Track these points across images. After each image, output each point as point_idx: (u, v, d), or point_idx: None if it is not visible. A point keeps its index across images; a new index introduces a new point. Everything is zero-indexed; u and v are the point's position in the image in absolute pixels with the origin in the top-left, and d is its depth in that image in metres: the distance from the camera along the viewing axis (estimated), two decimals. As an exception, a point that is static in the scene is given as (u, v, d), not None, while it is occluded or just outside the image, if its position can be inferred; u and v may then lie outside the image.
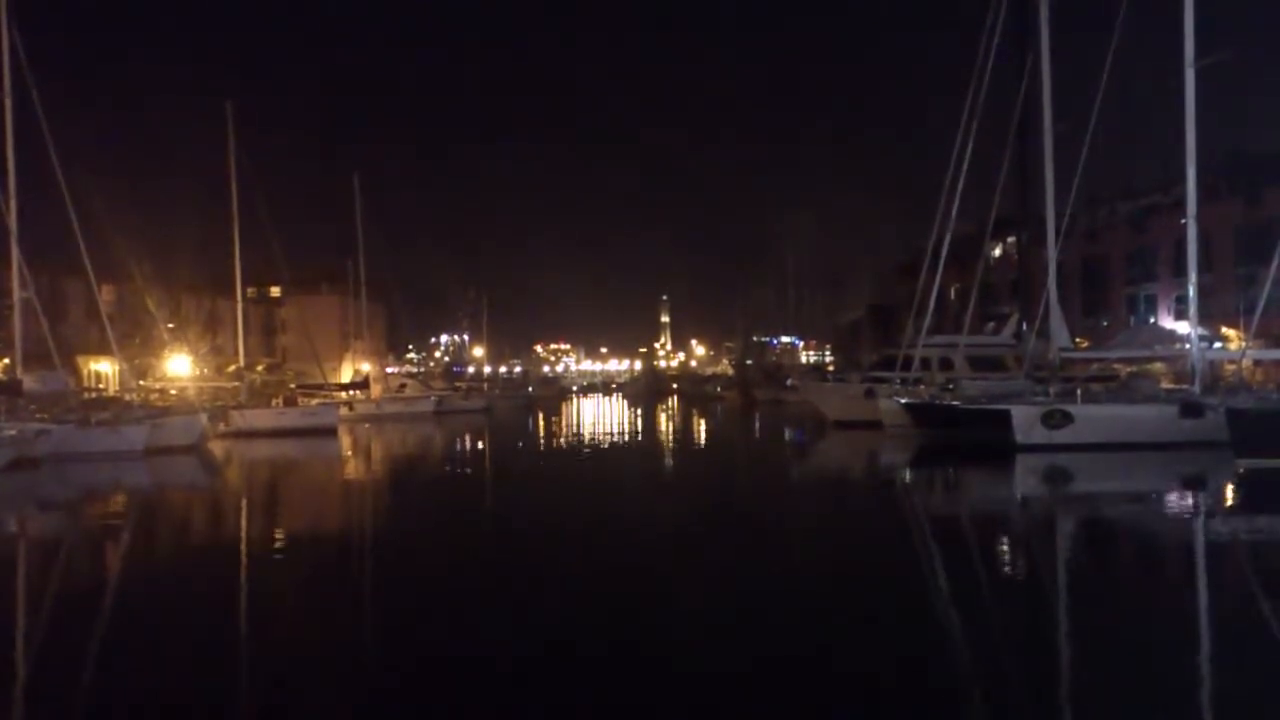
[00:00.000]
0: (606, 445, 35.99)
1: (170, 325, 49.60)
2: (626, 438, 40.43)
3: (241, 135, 43.85)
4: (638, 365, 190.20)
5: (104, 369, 57.21)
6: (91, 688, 7.97)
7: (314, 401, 49.46)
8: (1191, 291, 28.68)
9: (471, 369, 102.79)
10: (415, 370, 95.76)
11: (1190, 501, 18.93)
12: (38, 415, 30.45)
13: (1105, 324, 54.16)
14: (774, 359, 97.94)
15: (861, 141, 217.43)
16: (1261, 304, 26.23)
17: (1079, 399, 27.27)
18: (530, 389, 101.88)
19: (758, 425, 49.17)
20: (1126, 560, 13.47)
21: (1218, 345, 35.96)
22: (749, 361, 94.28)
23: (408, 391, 63.99)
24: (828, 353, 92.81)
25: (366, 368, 70.52)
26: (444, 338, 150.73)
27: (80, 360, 53.50)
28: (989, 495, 20.91)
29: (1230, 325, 38.97)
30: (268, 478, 27.36)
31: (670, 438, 40.95)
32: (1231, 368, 29.72)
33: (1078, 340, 39.42)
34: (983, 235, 37.99)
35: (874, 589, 11.18)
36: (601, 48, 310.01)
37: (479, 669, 8.12)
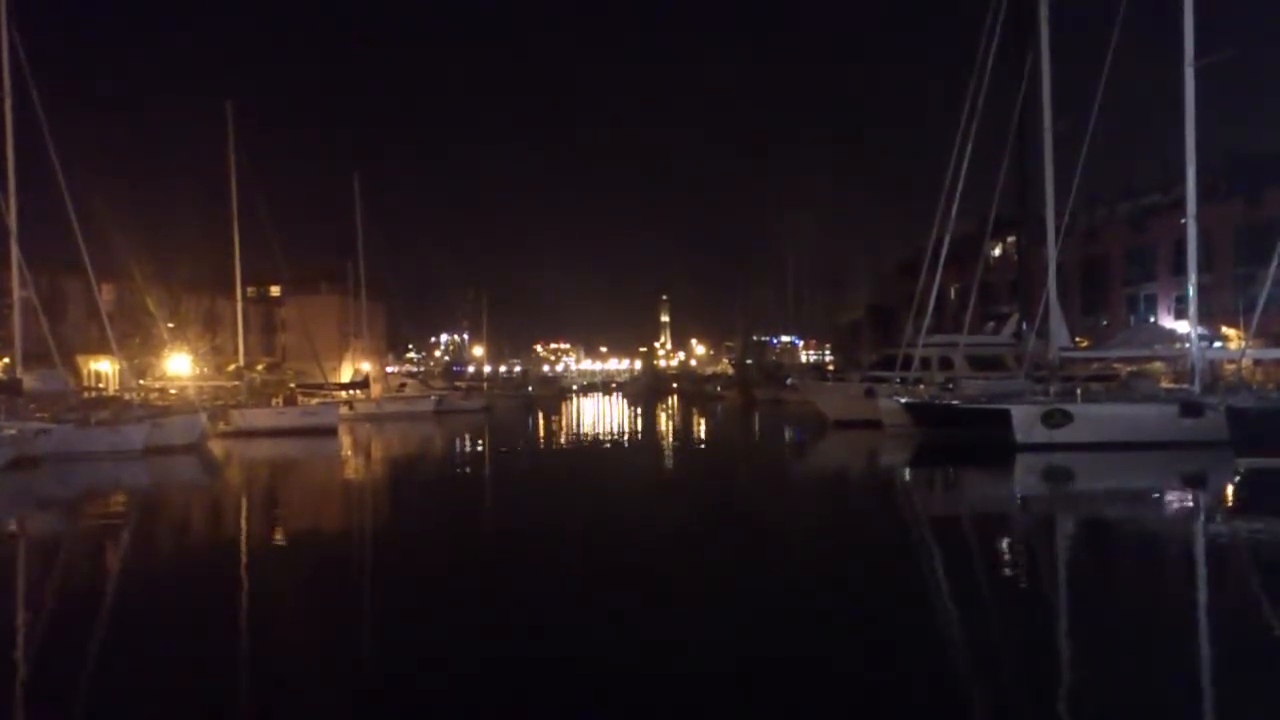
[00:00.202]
0: (606, 445, 35.99)
1: (170, 324, 49.55)
2: (626, 437, 40.44)
3: (241, 135, 43.87)
4: (638, 365, 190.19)
5: (104, 368, 57.21)
6: (91, 687, 7.98)
7: (314, 401, 49.44)
8: (1191, 291, 28.69)
9: (471, 368, 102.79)
10: (415, 370, 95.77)
11: (1190, 501, 18.93)
12: (37, 414, 30.43)
13: (1105, 323, 54.17)
14: (774, 358, 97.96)
15: (861, 141, 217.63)
16: (1261, 303, 26.26)
17: (1079, 398, 27.28)
18: (530, 388, 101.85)
19: (758, 425, 49.17)
20: (1127, 560, 13.46)
21: (1217, 345, 35.99)
22: (749, 361, 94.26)
23: (408, 391, 64.00)
24: (828, 352, 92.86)
25: (366, 367, 70.49)
26: (444, 337, 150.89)
27: (80, 359, 53.49)
28: (989, 495, 20.91)
29: (1230, 325, 38.99)
30: (268, 477, 27.35)
31: (670, 437, 40.95)
32: (1231, 367, 29.74)
33: (1077, 340, 39.45)
34: (982, 235, 38.03)
35: (875, 590, 11.18)
36: (601, 48, 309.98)
37: (478, 670, 8.12)
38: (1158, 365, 35.15)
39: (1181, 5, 26.73)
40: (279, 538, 16.25)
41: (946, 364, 37.20)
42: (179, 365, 47.96)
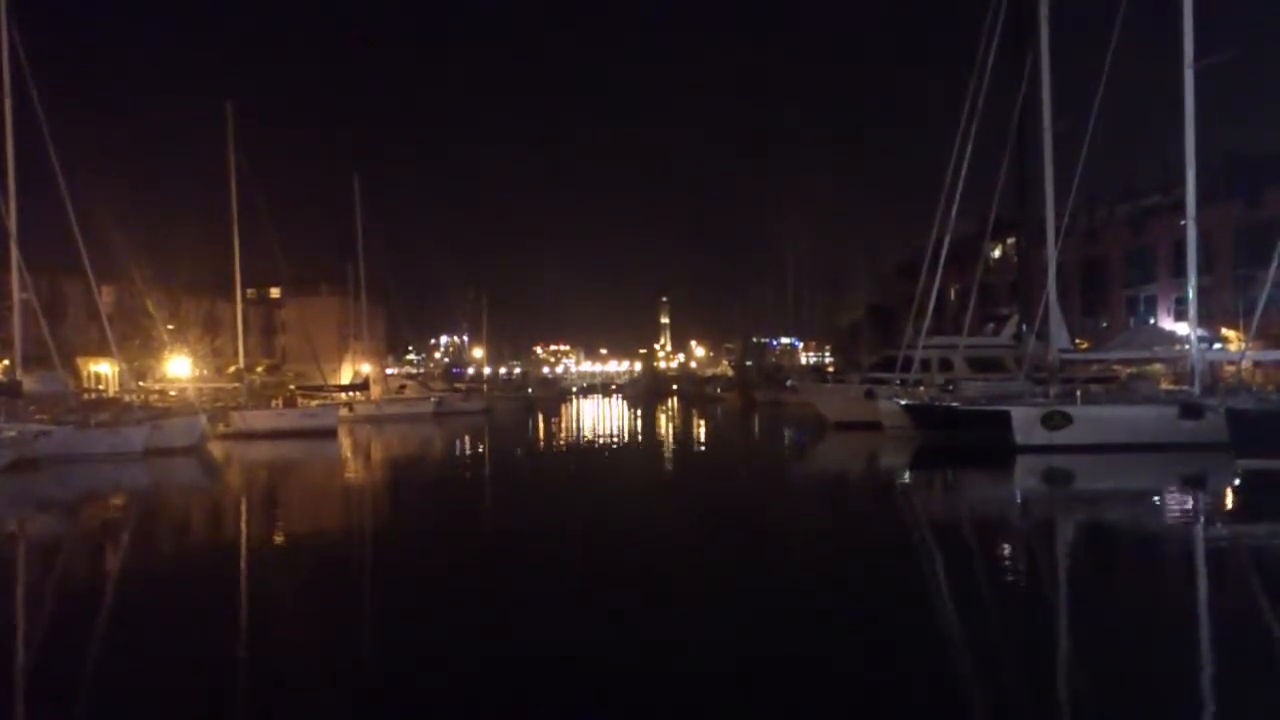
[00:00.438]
0: (606, 447, 35.97)
1: (170, 326, 49.56)
2: (626, 439, 40.41)
3: (241, 136, 43.86)
4: (637, 366, 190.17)
5: (104, 370, 57.24)
6: (90, 688, 7.98)
7: (314, 402, 49.46)
8: (1191, 292, 28.68)
9: (471, 370, 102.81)
10: (415, 371, 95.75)
11: (1190, 503, 18.91)
12: (37, 416, 30.43)
13: (1105, 325, 54.17)
14: (774, 360, 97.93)
15: (861, 141, 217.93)
16: (1261, 305, 26.25)
17: (1078, 400, 27.27)
18: (530, 390, 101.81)
19: (757, 426, 49.15)
20: (1127, 563, 13.45)
21: (1217, 346, 36.03)
22: (749, 363, 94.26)
23: (407, 393, 63.96)
24: (827, 354, 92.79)
25: (366, 369, 70.48)
26: (444, 339, 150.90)
27: (80, 361, 53.50)
28: (989, 497, 20.90)
29: (1230, 326, 39.02)
30: (267, 479, 27.33)
31: (670, 439, 40.92)
32: (1231, 369, 29.74)
33: (1077, 341, 39.45)
34: (982, 236, 38.04)
35: (875, 592, 11.17)
36: (601, 48, 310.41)
37: (478, 670, 8.12)
38: (1157, 367, 35.17)
39: (1181, 6, 26.74)
40: (279, 539, 16.25)
41: (946, 366, 37.21)
42: (179, 367, 47.93)
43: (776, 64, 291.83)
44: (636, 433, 44.61)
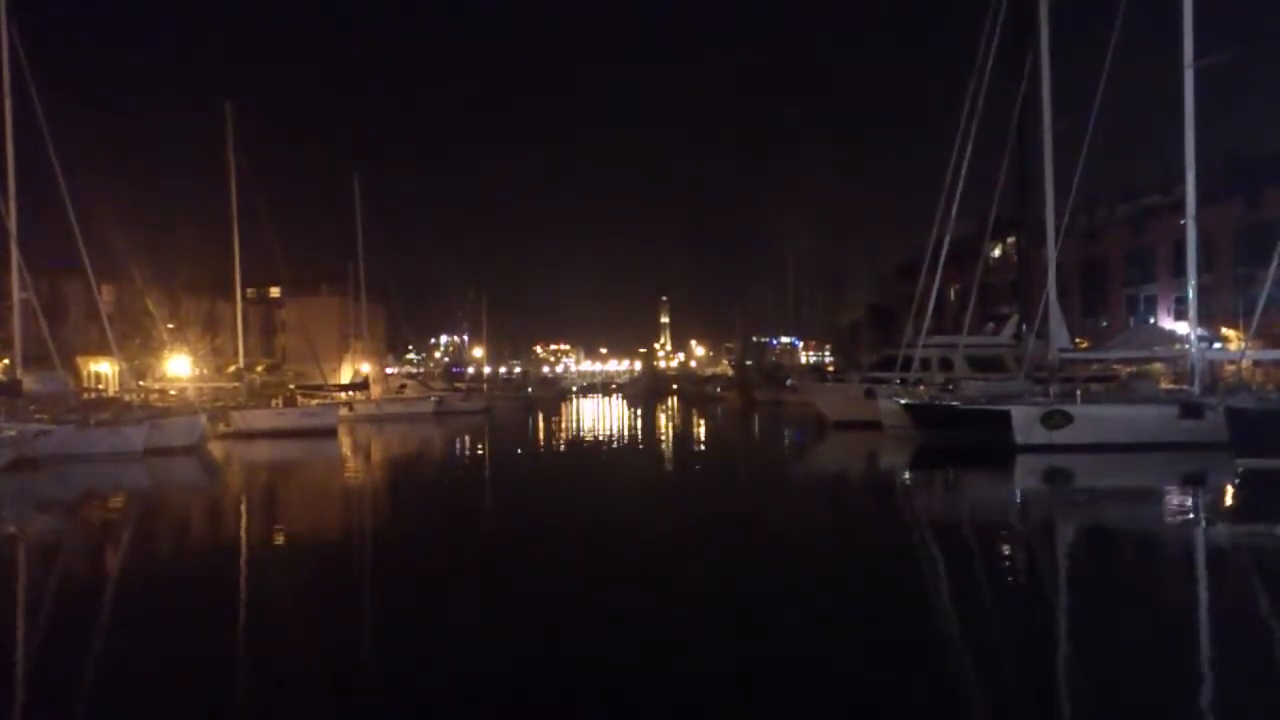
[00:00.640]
0: (607, 446, 35.97)
1: (170, 326, 49.58)
2: (626, 439, 40.41)
3: (241, 136, 43.91)
4: (637, 366, 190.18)
5: (104, 370, 57.24)
6: (90, 687, 7.98)
7: (314, 402, 49.44)
8: (1191, 292, 28.68)
9: (471, 369, 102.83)
10: (415, 371, 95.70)
11: (1190, 502, 18.92)
12: (37, 416, 30.42)
13: (1105, 324, 54.16)
14: (774, 359, 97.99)
15: (861, 141, 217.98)
16: (1261, 304, 26.24)
17: (1079, 399, 27.27)
18: (530, 389, 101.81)
19: (757, 426, 49.16)
20: (1128, 562, 13.46)
21: (1217, 346, 36.00)
22: (749, 362, 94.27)
23: (407, 392, 63.94)
24: (827, 353, 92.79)
25: (366, 368, 70.45)
26: (444, 338, 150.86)
27: (80, 361, 53.52)
28: (989, 496, 20.90)
29: (1230, 326, 38.99)
30: (268, 479, 27.34)
31: (670, 439, 40.93)
32: (1231, 368, 29.73)
33: (1077, 341, 39.45)
34: (982, 236, 38.02)
35: (875, 592, 11.17)
36: (601, 48, 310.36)
37: (478, 671, 8.12)
38: (1157, 366, 35.15)
39: (1181, 5, 26.73)
40: (279, 539, 16.26)
41: (946, 365, 37.22)
42: (179, 366, 47.93)
43: (776, 64, 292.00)
44: (636, 432, 44.61)
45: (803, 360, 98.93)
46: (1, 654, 8.94)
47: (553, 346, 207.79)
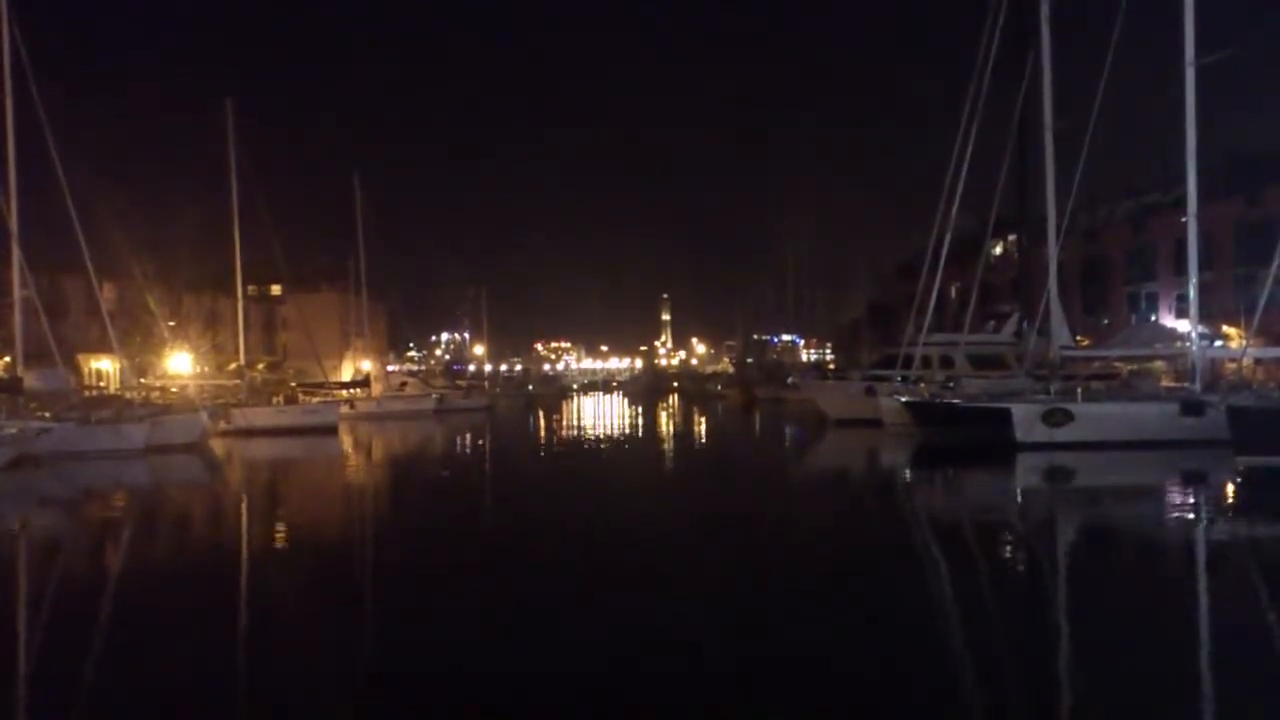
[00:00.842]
0: (608, 443, 35.97)
1: (171, 323, 49.53)
2: (628, 436, 40.41)
3: (242, 133, 43.89)
4: (638, 363, 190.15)
5: (105, 367, 57.20)
6: (92, 684, 7.99)
7: (315, 400, 49.44)
8: (1192, 290, 28.68)
9: (472, 367, 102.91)
10: (416, 368, 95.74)
11: (1191, 500, 18.93)
12: (39, 413, 30.43)
13: (1106, 322, 54.11)
14: (775, 357, 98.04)
15: (862, 141, 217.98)
16: (1262, 302, 26.22)
17: (1079, 397, 27.28)
18: (531, 387, 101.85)
19: (758, 423, 49.16)
20: (1129, 560, 13.46)
21: (1218, 343, 35.98)
22: (750, 360, 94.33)
23: (408, 390, 63.93)
24: (828, 351, 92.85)
25: (367, 366, 70.46)
26: (445, 336, 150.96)
27: (81, 358, 53.49)
28: (991, 494, 20.89)
29: (1231, 323, 38.96)
30: (269, 476, 27.36)
31: (671, 436, 40.94)
32: (1232, 366, 29.73)
33: (1078, 338, 39.42)
34: (983, 234, 38.02)
35: (878, 589, 11.18)
36: (601, 48, 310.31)
37: (477, 670, 8.13)
38: (1159, 364, 35.17)
39: (1182, 4, 26.71)
40: (281, 536, 16.25)
41: (947, 363, 37.22)
42: (180, 364, 47.94)
43: (777, 63, 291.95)
44: (637, 430, 44.60)
45: (804, 358, 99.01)
46: (4, 651, 8.96)
47: (554, 344, 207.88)
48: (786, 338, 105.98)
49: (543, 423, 50.39)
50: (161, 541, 16.40)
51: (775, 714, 6.88)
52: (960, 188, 34.01)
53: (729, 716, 6.96)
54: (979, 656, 8.31)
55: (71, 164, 32.37)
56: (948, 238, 35.75)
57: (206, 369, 51.34)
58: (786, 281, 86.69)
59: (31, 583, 12.80)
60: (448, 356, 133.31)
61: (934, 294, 35.57)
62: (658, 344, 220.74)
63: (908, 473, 25.05)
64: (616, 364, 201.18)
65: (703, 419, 53.28)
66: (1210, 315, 35.38)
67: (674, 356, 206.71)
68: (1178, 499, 19.30)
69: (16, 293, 32.92)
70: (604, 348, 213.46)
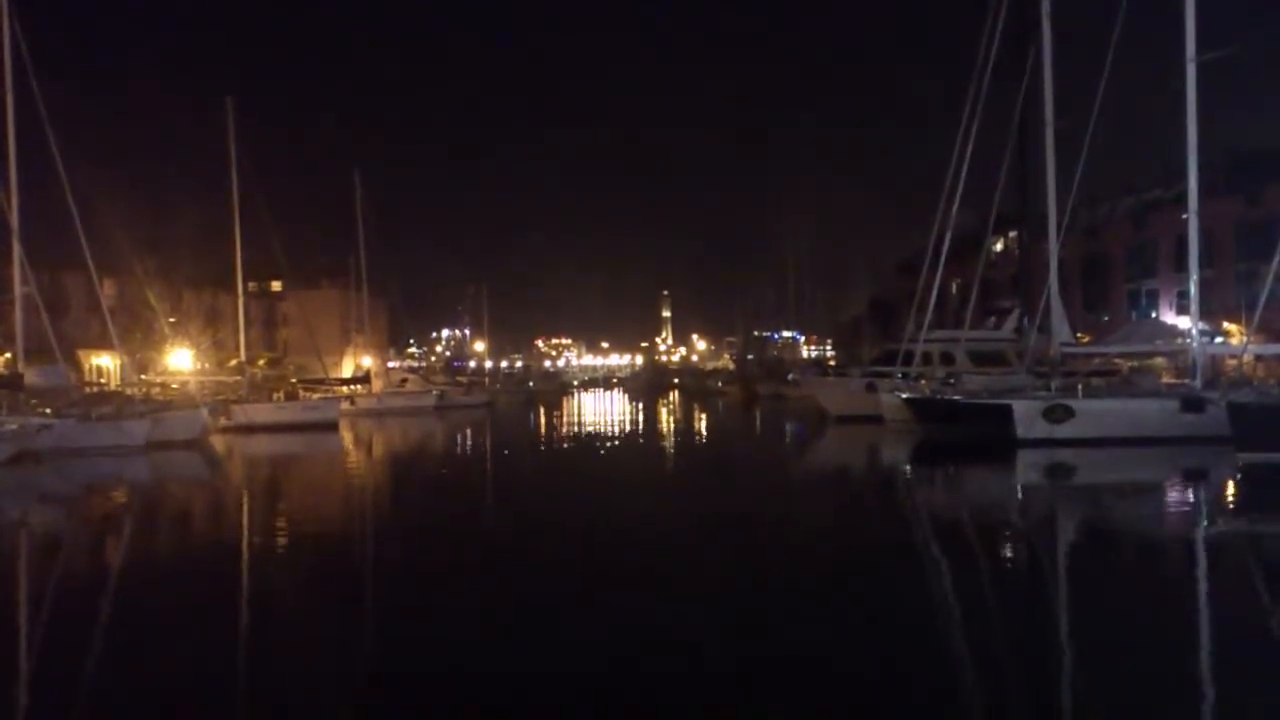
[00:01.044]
0: (608, 440, 35.97)
1: (171, 319, 49.58)
2: (628, 433, 40.40)
3: (242, 131, 43.91)
4: (639, 360, 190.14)
5: (105, 363, 57.30)
6: (93, 682, 8.00)
7: (315, 396, 49.45)
8: (1193, 287, 28.63)
9: (473, 364, 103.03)
10: (416, 365, 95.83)
11: (1191, 497, 18.94)
12: (39, 410, 30.46)
13: (1106, 319, 54.11)
14: (775, 354, 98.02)
15: (862, 139, 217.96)
16: (1263, 299, 26.19)
17: (1080, 394, 27.28)
18: (531, 384, 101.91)
19: (759, 420, 49.15)
20: (1129, 556, 13.44)
21: (1219, 340, 36.00)
22: (750, 356, 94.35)
23: (409, 386, 63.94)
24: (829, 348, 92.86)
25: (368, 362, 70.49)
26: (445, 332, 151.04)
27: (82, 354, 53.58)
28: (992, 490, 20.88)
29: (1231, 320, 38.99)
30: (270, 473, 27.36)
31: (672, 432, 40.94)
32: (1233, 363, 29.74)
33: (1079, 335, 39.43)
34: (983, 231, 38.03)
35: (879, 587, 11.18)
36: (601, 48, 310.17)
37: (477, 670, 8.14)
38: (1159, 361, 35.18)
39: (1183, 2, 26.67)
40: (282, 532, 16.25)
41: (948, 359, 37.24)
42: (180, 360, 47.99)
43: (777, 63, 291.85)
44: (638, 426, 44.61)
45: (804, 355, 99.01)
46: (6, 648, 8.96)
47: (554, 341, 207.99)
48: (787, 334, 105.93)
49: (543, 419, 50.40)
50: (162, 537, 16.41)
51: (775, 714, 6.88)
52: (961, 186, 34.06)
53: (729, 716, 6.97)
54: (980, 656, 8.30)
55: (72, 161, 32.47)
56: (948, 235, 35.77)
57: (207, 365, 51.38)
58: (787, 279, 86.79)
59: (31, 579, 12.80)
60: (448, 353, 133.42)
61: (935, 290, 35.59)
62: (658, 340, 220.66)
63: (908, 469, 25.05)
64: (617, 360, 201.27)
65: (703, 415, 53.29)
66: (1211, 312, 35.38)
67: (674, 353, 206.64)
68: (1178, 496, 19.31)
69: (17, 289, 32.94)
70: (605, 344, 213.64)
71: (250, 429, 39.43)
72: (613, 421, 48.80)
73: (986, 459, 24.73)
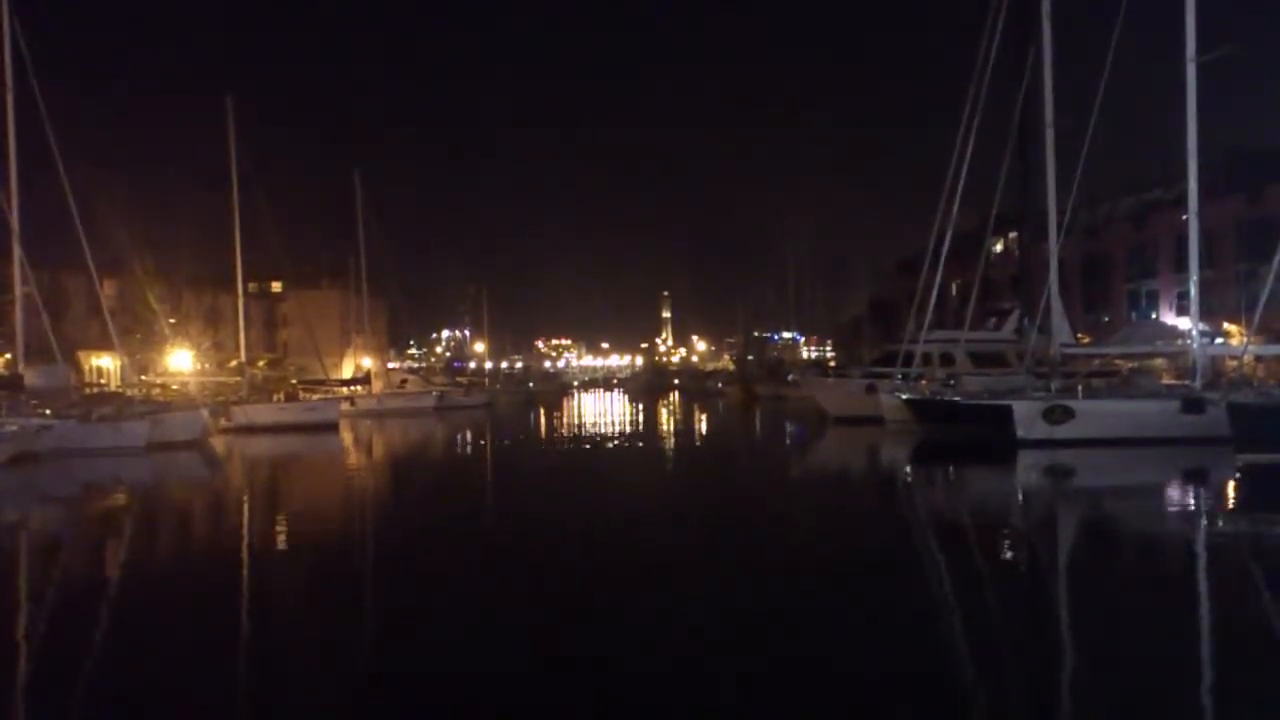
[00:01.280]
0: (608, 440, 35.96)
1: (172, 320, 49.58)
2: (628, 433, 40.40)
3: (242, 130, 43.93)
4: (639, 360, 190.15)
5: (105, 364, 57.31)
6: (93, 682, 7.99)
7: (315, 397, 49.46)
8: (1193, 287, 28.62)
9: (473, 364, 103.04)
10: (416, 366, 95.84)
11: (1192, 497, 18.93)
12: (39, 410, 30.43)
13: (1107, 320, 54.14)
14: (775, 355, 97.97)
15: (863, 139, 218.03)
16: (1263, 300, 26.18)
17: (1080, 394, 27.26)
18: (531, 384, 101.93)
19: (759, 420, 49.16)
20: (1129, 556, 13.45)
21: (1219, 341, 35.97)
22: (750, 357, 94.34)
23: (409, 387, 63.96)
24: (829, 348, 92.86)
25: (368, 363, 70.48)
26: (445, 333, 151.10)
27: (82, 355, 53.60)
28: (992, 491, 20.87)
29: (1232, 321, 38.98)
30: (270, 473, 27.36)
31: (672, 433, 40.94)
32: (1233, 363, 29.72)
33: (1079, 336, 39.44)
34: (983, 231, 38.02)
35: (879, 587, 11.17)
36: (602, 48, 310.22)
37: (478, 669, 8.13)
38: (1159, 361, 35.17)
39: (1183, 1, 26.67)
40: (283, 532, 16.25)
41: (948, 360, 37.22)
42: (181, 361, 48.00)
43: (777, 63, 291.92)
44: (638, 426, 44.61)
45: (804, 355, 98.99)
46: (5, 649, 8.96)
47: (554, 341, 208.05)
48: (787, 335, 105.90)
49: (543, 420, 50.40)
50: (162, 539, 16.41)
51: (775, 714, 6.87)
52: (961, 186, 34.05)
53: (729, 716, 6.96)
54: (980, 655, 8.29)
55: (72, 161, 32.44)
56: (948, 235, 35.78)
57: (207, 366, 51.44)
58: (787, 279, 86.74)
59: (31, 580, 12.79)
60: (448, 354, 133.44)
61: (935, 291, 35.59)
62: (658, 341, 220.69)
63: (908, 470, 25.05)
64: (617, 361, 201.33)
65: (703, 416, 53.30)
66: (1211, 312, 35.36)
67: (674, 353, 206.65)
68: (1178, 496, 19.30)
69: (17, 289, 32.93)
70: (604, 345, 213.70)
71: (250, 430, 39.42)
72: (612, 422, 48.80)
73: (986, 460, 24.72)
